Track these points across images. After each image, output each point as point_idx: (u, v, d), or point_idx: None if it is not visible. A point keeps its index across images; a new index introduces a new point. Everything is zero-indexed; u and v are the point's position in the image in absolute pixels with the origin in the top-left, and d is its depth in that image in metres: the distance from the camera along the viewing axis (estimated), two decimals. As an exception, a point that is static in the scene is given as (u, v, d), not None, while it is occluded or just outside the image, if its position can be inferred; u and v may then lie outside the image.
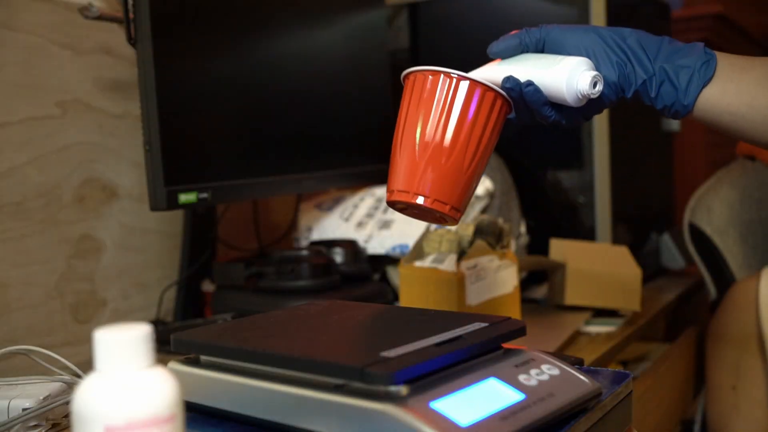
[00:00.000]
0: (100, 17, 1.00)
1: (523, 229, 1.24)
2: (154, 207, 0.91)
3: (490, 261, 0.92)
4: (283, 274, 1.05)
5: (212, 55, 0.99)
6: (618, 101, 0.70)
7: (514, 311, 0.95)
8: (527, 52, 0.70)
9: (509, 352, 0.60)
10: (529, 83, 0.67)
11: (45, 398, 0.69)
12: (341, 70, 1.22)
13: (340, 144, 1.22)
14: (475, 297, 0.89)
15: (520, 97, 0.68)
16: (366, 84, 1.27)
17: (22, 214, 0.96)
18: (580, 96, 0.66)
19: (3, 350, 0.78)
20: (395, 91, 1.33)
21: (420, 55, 1.49)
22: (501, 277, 0.93)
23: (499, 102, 0.67)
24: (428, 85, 0.66)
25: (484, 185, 1.15)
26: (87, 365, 0.50)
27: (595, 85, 0.66)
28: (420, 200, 0.66)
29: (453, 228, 0.92)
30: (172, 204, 0.91)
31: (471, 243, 0.94)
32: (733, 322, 1.20)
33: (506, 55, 0.71)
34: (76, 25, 1.03)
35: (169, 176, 0.91)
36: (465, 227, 0.97)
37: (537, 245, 1.26)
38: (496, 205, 1.19)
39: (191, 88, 0.96)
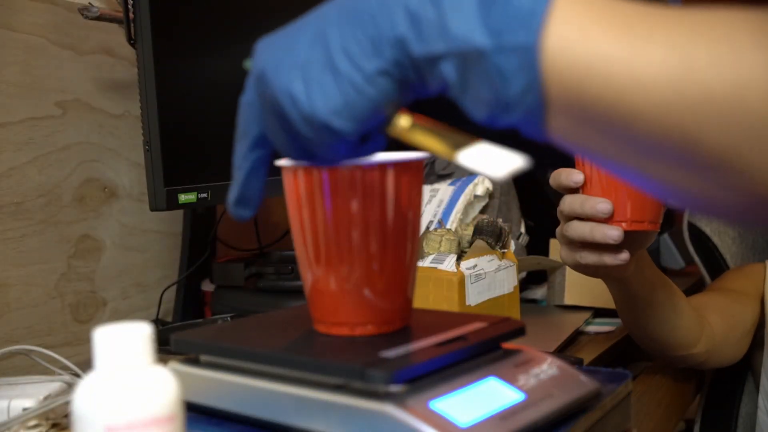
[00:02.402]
0: (100, 17, 1.00)
1: (523, 229, 1.24)
2: (154, 207, 0.91)
3: (489, 261, 0.92)
4: (283, 274, 1.05)
5: (212, 55, 0.99)
6: None
7: (514, 311, 0.95)
8: None
9: (509, 352, 0.60)
10: None
11: (45, 398, 0.69)
12: (341, 70, 1.21)
13: (340, 144, 1.21)
14: (474, 297, 0.89)
15: None
16: (366, 84, 1.27)
17: (22, 214, 0.96)
18: None
19: (3, 350, 0.78)
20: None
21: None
22: (500, 277, 0.93)
23: None
24: None
25: (483, 185, 1.15)
26: (87, 365, 0.50)
27: None
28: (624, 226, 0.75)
29: (452, 228, 0.92)
30: (172, 204, 0.91)
31: (471, 243, 0.94)
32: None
33: None
34: (76, 25, 1.03)
35: (169, 176, 0.91)
36: (465, 227, 0.97)
37: (537, 245, 1.25)
38: (495, 205, 1.19)
39: (191, 88, 0.96)
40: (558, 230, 0.81)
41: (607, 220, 0.75)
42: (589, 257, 0.77)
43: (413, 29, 0.38)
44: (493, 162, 0.38)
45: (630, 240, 0.77)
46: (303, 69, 0.42)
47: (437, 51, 0.38)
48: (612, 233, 0.74)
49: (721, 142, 0.33)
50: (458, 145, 0.39)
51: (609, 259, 0.76)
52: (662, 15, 0.34)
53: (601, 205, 0.75)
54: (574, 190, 0.79)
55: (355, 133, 0.42)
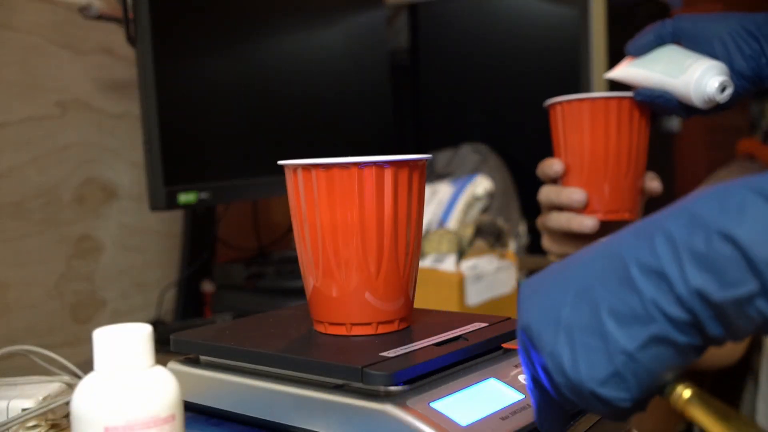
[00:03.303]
0: (100, 17, 1.00)
1: (523, 229, 1.24)
2: (154, 207, 0.91)
3: (489, 261, 0.92)
4: (283, 274, 1.05)
5: (212, 55, 0.99)
6: (759, 89, 0.70)
7: (514, 311, 0.95)
8: (663, 44, 0.73)
9: (509, 353, 0.60)
10: (660, 95, 0.71)
11: (44, 398, 0.69)
12: (341, 70, 1.22)
13: (340, 144, 1.22)
14: (474, 297, 0.89)
15: (652, 104, 0.72)
16: (366, 84, 1.27)
17: (22, 214, 0.96)
18: (707, 100, 0.68)
19: (3, 350, 0.78)
20: (395, 91, 1.33)
21: (420, 55, 1.49)
22: (500, 277, 0.93)
23: (636, 109, 0.74)
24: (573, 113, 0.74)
25: (483, 185, 1.15)
26: (87, 365, 0.50)
27: (723, 90, 0.67)
28: (599, 216, 0.74)
29: (452, 228, 0.92)
30: (172, 204, 0.91)
31: (471, 243, 0.94)
32: None
33: (644, 51, 0.73)
34: (76, 25, 1.03)
35: (169, 176, 0.91)
36: (465, 227, 0.97)
37: (537, 245, 1.26)
38: (496, 205, 1.19)
39: (191, 88, 0.96)
40: (538, 220, 0.82)
41: (584, 210, 0.75)
42: (568, 248, 0.78)
43: (710, 275, 0.32)
44: None
45: (610, 230, 0.77)
46: (568, 331, 0.37)
47: (749, 291, 0.32)
48: (587, 223, 0.74)
49: None
50: None
51: None
52: None
53: (576, 195, 0.75)
54: (556, 180, 0.79)
55: (631, 402, 0.36)
